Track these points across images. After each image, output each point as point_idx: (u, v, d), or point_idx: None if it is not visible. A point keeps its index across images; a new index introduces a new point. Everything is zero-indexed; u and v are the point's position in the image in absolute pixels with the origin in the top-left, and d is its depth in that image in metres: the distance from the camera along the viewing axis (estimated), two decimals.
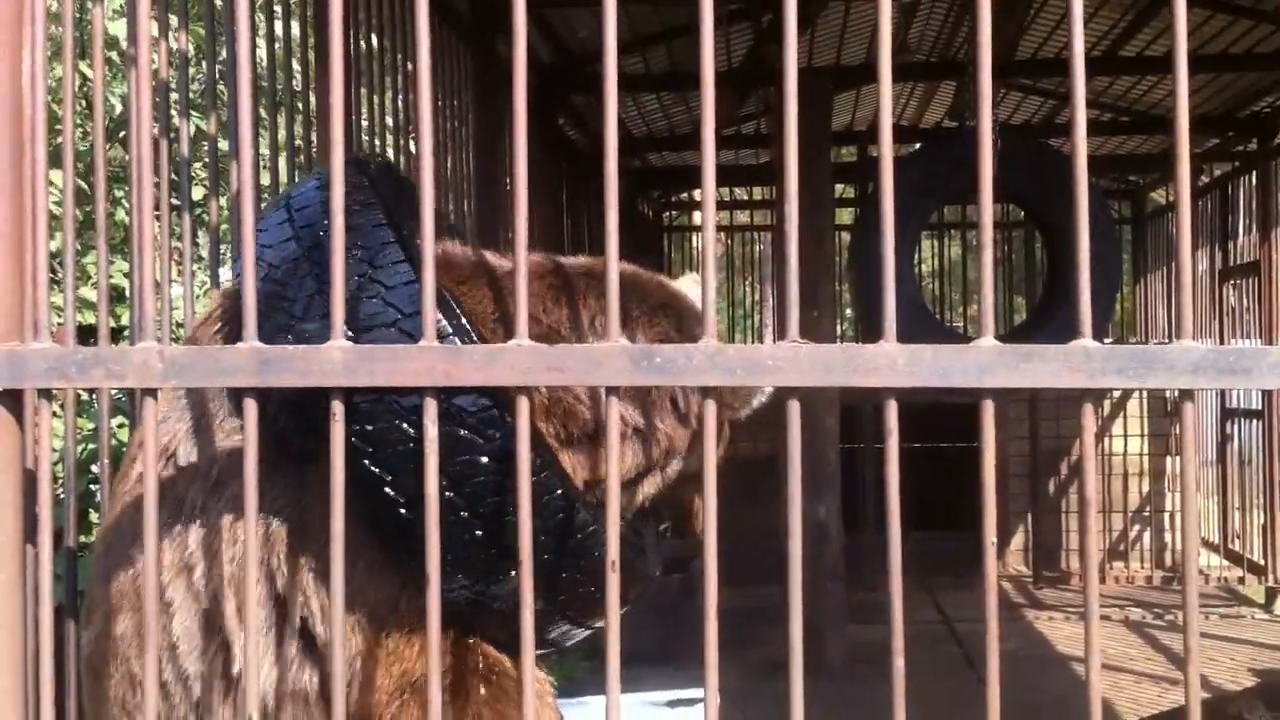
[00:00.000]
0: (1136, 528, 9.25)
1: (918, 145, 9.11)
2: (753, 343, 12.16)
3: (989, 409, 1.59)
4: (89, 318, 5.96)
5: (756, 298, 13.75)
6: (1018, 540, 9.28)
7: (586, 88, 7.58)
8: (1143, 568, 9.11)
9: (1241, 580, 8.73)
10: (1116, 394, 9.06)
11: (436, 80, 5.26)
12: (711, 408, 1.62)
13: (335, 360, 1.66)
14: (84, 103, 5.99)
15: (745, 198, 12.25)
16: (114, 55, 7.49)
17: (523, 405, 1.66)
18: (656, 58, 7.80)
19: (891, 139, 1.63)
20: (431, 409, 1.66)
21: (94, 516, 4.89)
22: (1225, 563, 9.09)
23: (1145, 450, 9.23)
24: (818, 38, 7.69)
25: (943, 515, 8.63)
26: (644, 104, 8.97)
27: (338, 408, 1.68)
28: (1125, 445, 9.18)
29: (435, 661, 1.66)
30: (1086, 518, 1.63)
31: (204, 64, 3.80)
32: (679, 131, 9.70)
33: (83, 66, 6.15)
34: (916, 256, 10.11)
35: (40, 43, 1.81)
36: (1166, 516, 9.21)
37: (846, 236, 10.48)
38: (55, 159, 2.09)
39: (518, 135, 1.68)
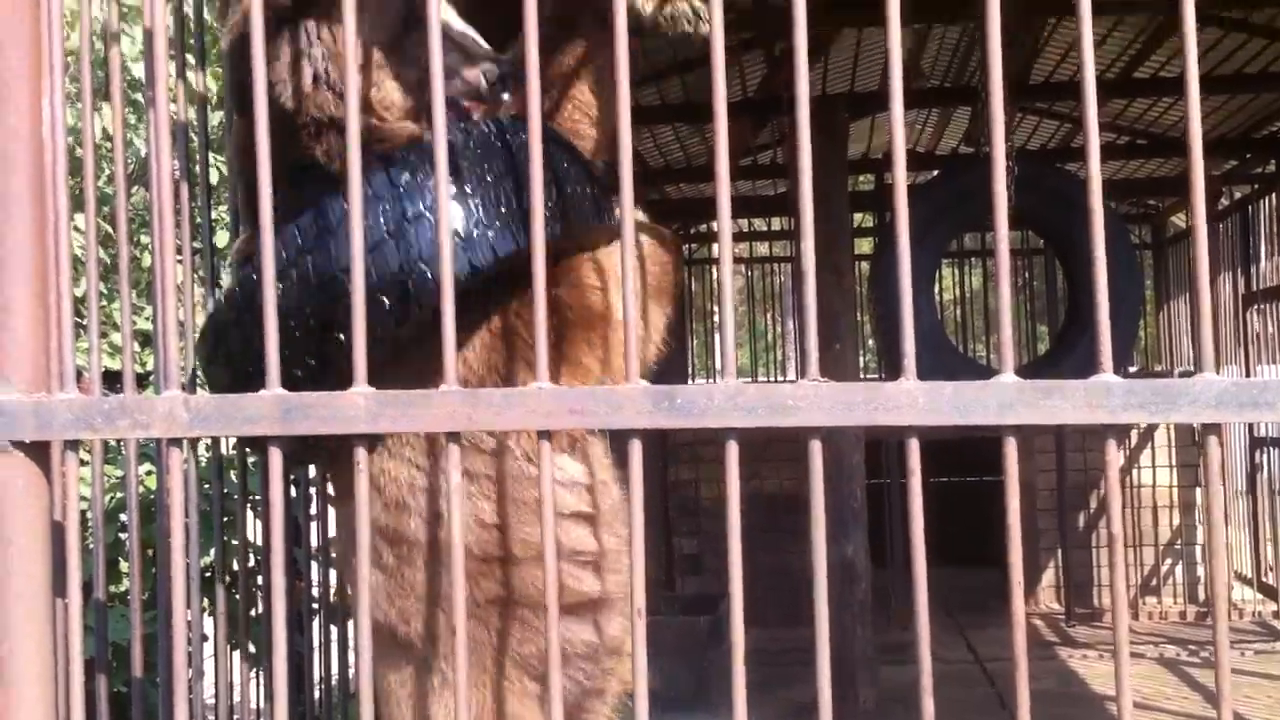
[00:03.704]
0: (1168, 561, 9.03)
1: (935, 172, 9.09)
2: (776, 378, 12.12)
3: (1011, 445, 1.59)
4: (116, 363, 5.99)
5: (779, 330, 13.71)
6: (1049, 576, 9.05)
7: None
8: (1175, 603, 8.89)
9: (1277, 614, 8.52)
10: (1142, 425, 8.94)
11: None
12: (733, 449, 1.62)
13: (358, 406, 1.66)
14: (107, 145, 6.04)
15: (764, 228, 12.23)
16: (138, 97, 7.55)
17: (545, 448, 1.67)
18: (672, 89, 7.83)
19: (905, 166, 1.63)
20: (454, 454, 1.67)
21: (124, 566, 4.89)
22: (1259, 596, 8.85)
23: (1174, 482, 9.01)
24: (831, 65, 7.71)
25: (972, 550, 8.41)
26: (660, 136, 8.98)
27: (361, 455, 1.69)
28: (1154, 477, 8.98)
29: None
30: (1114, 554, 1.62)
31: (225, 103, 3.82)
32: (696, 163, 9.66)
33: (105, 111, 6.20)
34: (937, 284, 10.06)
35: (59, 91, 1.84)
36: (1198, 549, 8.98)
37: (867, 266, 10.44)
38: (79, 205, 2.12)
39: (534, 139, 1.69)
